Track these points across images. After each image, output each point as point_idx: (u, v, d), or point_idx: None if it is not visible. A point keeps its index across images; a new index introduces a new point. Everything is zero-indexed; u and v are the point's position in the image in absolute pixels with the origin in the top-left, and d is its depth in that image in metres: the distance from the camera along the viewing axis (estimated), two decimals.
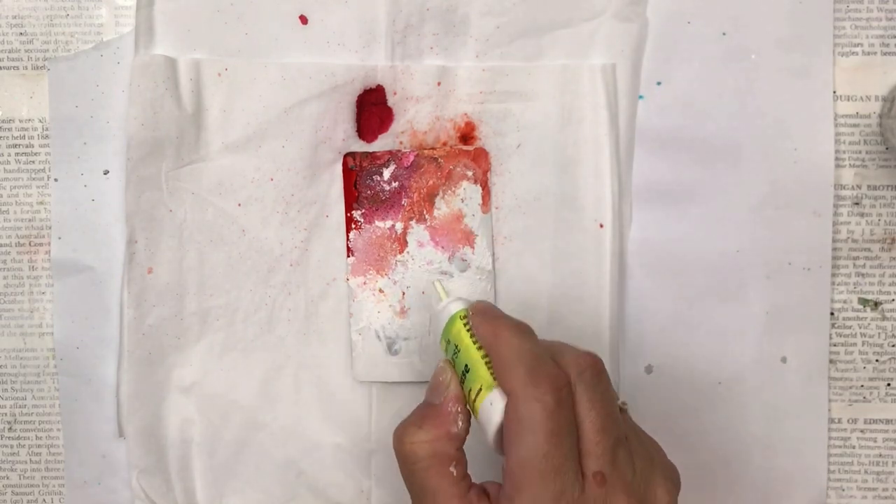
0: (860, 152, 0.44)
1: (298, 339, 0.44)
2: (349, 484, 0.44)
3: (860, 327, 0.45)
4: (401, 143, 0.44)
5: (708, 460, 0.44)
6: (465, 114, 0.44)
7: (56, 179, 0.44)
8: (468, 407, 0.35)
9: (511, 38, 0.43)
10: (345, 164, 0.44)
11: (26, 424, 0.45)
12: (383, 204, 0.44)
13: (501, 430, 0.33)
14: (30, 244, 0.45)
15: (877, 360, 0.45)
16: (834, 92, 0.44)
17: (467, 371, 0.35)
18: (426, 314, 0.44)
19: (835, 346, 0.45)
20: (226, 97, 0.43)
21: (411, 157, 0.44)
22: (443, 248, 0.44)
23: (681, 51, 0.44)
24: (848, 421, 0.45)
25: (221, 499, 0.44)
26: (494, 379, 0.34)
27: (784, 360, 0.44)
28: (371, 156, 0.44)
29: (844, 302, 0.44)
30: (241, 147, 0.43)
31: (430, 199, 0.44)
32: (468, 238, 0.44)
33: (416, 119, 0.44)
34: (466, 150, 0.44)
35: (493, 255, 0.44)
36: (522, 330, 0.35)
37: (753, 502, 0.44)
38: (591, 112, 0.43)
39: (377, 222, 0.44)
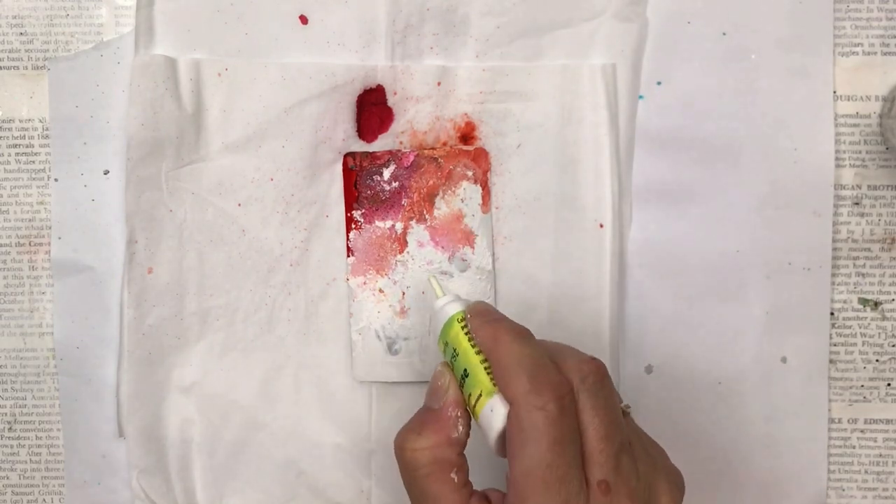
0: (860, 152, 0.44)
1: (298, 339, 0.44)
2: (349, 484, 0.44)
3: (860, 327, 0.45)
4: (401, 143, 0.44)
5: (708, 460, 0.44)
6: (465, 114, 0.44)
7: (56, 179, 0.44)
8: (468, 411, 0.35)
9: (511, 38, 0.43)
10: (345, 164, 0.44)
11: (26, 424, 0.45)
12: (383, 204, 0.44)
13: (503, 436, 0.33)
14: (30, 244, 0.45)
15: (877, 360, 0.45)
16: (834, 92, 0.44)
17: (466, 375, 0.34)
18: (426, 314, 0.44)
19: (835, 346, 0.45)
20: (226, 97, 0.43)
21: (411, 157, 0.44)
22: (443, 248, 0.44)
23: (681, 51, 0.44)
24: (848, 421, 0.45)
25: (221, 499, 0.44)
26: (494, 385, 0.33)
27: (784, 360, 0.44)
28: (371, 156, 0.44)
29: (844, 302, 0.44)
30: (241, 147, 0.43)
31: (430, 199, 0.44)
32: (468, 238, 0.44)
33: (416, 119, 0.44)
34: (466, 150, 0.44)
35: (493, 255, 0.44)
36: (522, 334, 0.34)
37: (753, 502, 0.44)
38: (591, 112, 0.43)
39: (377, 222, 0.44)
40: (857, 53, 0.44)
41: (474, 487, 0.34)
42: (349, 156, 0.44)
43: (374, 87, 0.44)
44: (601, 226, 0.43)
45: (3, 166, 0.44)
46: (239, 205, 0.44)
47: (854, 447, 0.45)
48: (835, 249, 0.44)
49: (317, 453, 0.44)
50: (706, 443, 0.44)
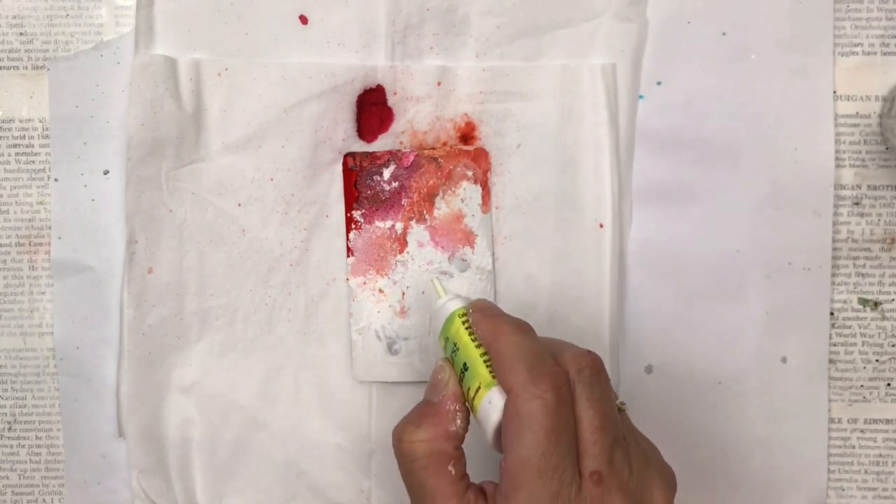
0: (860, 152, 0.44)
1: (298, 339, 0.44)
2: (349, 484, 0.44)
3: (860, 327, 0.45)
4: (401, 143, 0.44)
5: (708, 460, 0.44)
6: (465, 114, 0.44)
7: (56, 179, 0.44)
8: (467, 405, 0.35)
9: (511, 38, 0.43)
10: (345, 164, 0.44)
11: (26, 424, 0.45)
12: (383, 204, 0.44)
13: (500, 429, 0.33)
14: (30, 244, 0.45)
15: (877, 360, 0.45)
16: (834, 92, 0.44)
17: (466, 369, 0.35)
18: (426, 314, 0.44)
19: (835, 346, 0.45)
20: (226, 97, 0.43)
21: (411, 157, 0.44)
22: (443, 248, 0.44)
23: (681, 51, 0.44)
24: (848, 421, 0.45)
25: (221, 499, 0.44)
26: (493, 377, 0.34)
27: (784, 360, 0.44)
28: (371, 156, 0.44)
29: (844, 302, 0.44)
30: (241, 147, 0.43)
31: (430, 199, 0.44)
32: (468, 238, 0.44)
33: (416, 119, 0.44)
34: (466, 150, 0.44)
35: (493, 255, 0.44)
36: (522, 328, 0.35)
37: (753, 502, 0.44)
38: (591, 112, 0.43)
39: (377, 222, 0.44)
40: (857, 53, 0.44)
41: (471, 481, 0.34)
42: (349, 156, 0.44)
43: (374, 87, 0.44)
44: (601, 226, 0.43)
45: (3, 166, 0.44)
46: (239, 205, 0.44)
47: (854, 447, 0.45)
48: (835, 249, 0.44)
49: (317, 453, 0.44)
50: (706, 443, 0.44)
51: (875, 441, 0.45)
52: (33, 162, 0.44)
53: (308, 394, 0.44)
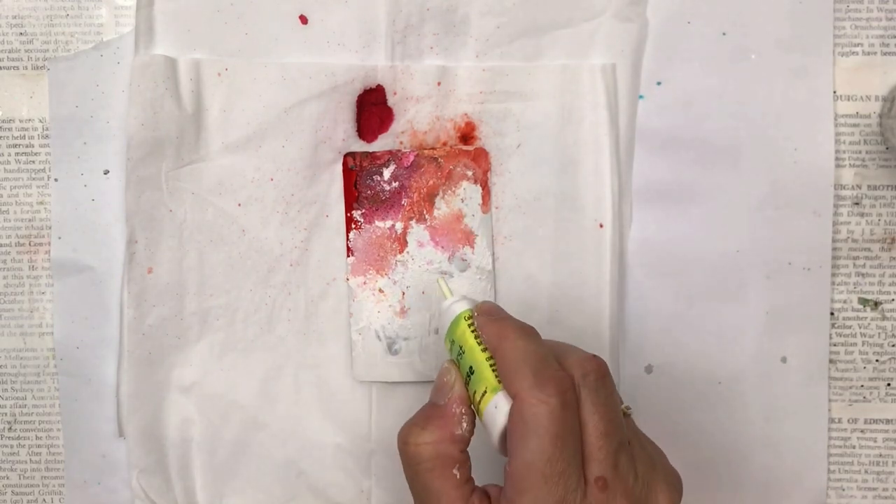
0: (860, 152, 0.44)
1: (298, 339, 0.44)
2: (349, 484, 0.44)
3: (860, 327, 0.45)
4: (401, 143, 0.44)
5: (708, 460, 0.44)
6: (465, 114, 0.44)
7: (56, 179, 0.44)
8: (473, 408, 0.35)
9: (511, 38, 0.43)
10: (345, 164, 0.44)
11: (26, 424, 0.45)
12: (383, 204, 0.44)
13: (506, 434, 0.33)
14: (30, 244, 0.45)
15: (877, 360, 0.45)
16: (834, 92, 0.44)
17: (472, 372, 0.35)
18: (426, 314, 0.44)
19: (835, 346, 0.45)
20: (226, 97, 0.43)
21: (411, 157, 0.44)
22: (443, 248, 0.44)
23: (681, 51, 0.44)
24: (848, 421, 0.45)
25: (221, 498, 0.44)
26: (499, 381, 0.34)
27: (784, 360, 0.44)
28: (371, 156, 0.44)
29: (844, 302, 0.44)
30: (241, 147, 0.43)
31: (430, 199, 0.44)
32: (468, 238, 0.44)
33: (416, 119, 0.44)
34: (466, 150, 0.44)
35: (493, 255, 0.44)
36: (528, 332, 0.35)
37: (753, 502, 0.44)
38: (591, 112, 0.43)
39: (377, 222, 0.44)
40: (857, 53, 0.44)
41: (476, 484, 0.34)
42: (349, 156, 0.44)
43: (374, 87, 0.44)
44: (601, 226, 0.43)
45: (3, 166, 0.44)
46: (239, 205, 0.44)
47: (854, 447, 0.45)
48: (835, 249, 0.44)
49: (317, 453, 0.44)
50: (706, 443, 0.44)
51: (875, 441, 0.45)
52: (33, 162, 0.44)
53: (308, 394, 0.44)
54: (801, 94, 0.44)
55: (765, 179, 0.44)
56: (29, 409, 0.45)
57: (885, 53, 0.44)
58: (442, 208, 0.44)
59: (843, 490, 0.45)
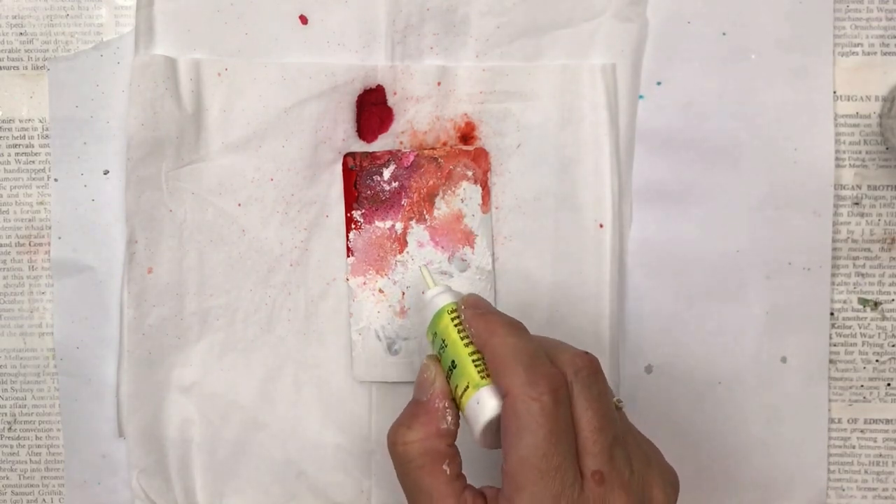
0: (860, 152, 0.44)
1: (298, 339, 0.44)
2: (349, 484, 0.44)
3: (860, 327, 0.45)
4: (401, 143, 0.44)
5: (708, 460, 0.44)
6: (465, 114, 0.44)
7: (56, 179, 0.44)
8: (455, 402, 0.35)
9: (511, 38, 0.43)
10: (345, 164, 0.44)
11: (26, 424, 0.45)
12: (383, 204, 0.44)
13: (488, 428, 0.33)
14: (30, 244, 0.45)
15: (877, 360, 0.45)
16: (834, 92, 0.44)
17: (454, 367, 0.35)
18: (425, 314, 0.44)
19: (835, 346, 0.45)
20: (226, 97, 0.43)
21: (411, 157, 0.44)
22: (443, 248, 0.44)
23: (681, 51, 0.44)
24: (848, 421, 0.45)
25: (221, 498, 0.44)
26: (482, 377, 0.34)
27: (784, 360, 0.44)
28: (371, 156, 0.44)
29: (844, 302, 0.44)
30: (241, 147, 0.43)
31: (430, 199, 0.44)
32: (468, 238, 0.44)
33: (416, 119, 0.44)
34: (466, 150, 0.44)
35: (493, 255, 0.44)
36: (517, 327, 0.35)
37: (753, 502, 0.44)
38: (591, 112, 0.43)
39: (377, 222, 0.44)
40: (857, 53, 0.44)
41: (468, 482, 0.34)
42: (349, 156, 0.44)
43: (374, 87, 0.44)
44: (601, 226, 0.43)
45: (3, 166, 0.44)
46: (239, 205, 0.44)
47: (854, 447, 0.45)
48: (835, 249, 0.44)
49: (317, 453, 0.44)
50: (706, 442, 0.44)
51: (875, 441, 0.45)
52: (33, 162, 0.44)
53: (308, 394, 0.44)
54: (801, 94, 0.44)
55: (765, 179, 0.44)
56: (29, 409, 0.45)
57: (885, 53, 0.44)
58: (442, 208, 0.44)
59: (843, 490, 0.45)
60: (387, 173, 0.44)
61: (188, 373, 0.44)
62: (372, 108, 0.44)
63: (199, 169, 0.43)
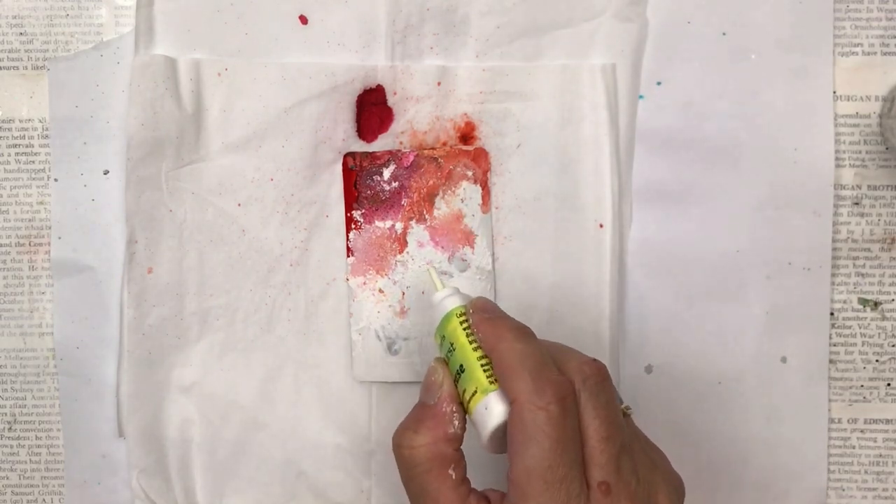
0: (860, 152, 0.44)
1: (298, 339, 0.44)
2: (349, 484, 0.44)
3: (860, 327, 0.45)
4: (401, 143, 0.44)
5: (708, 460, 0.44)
6: (465, 114, 0.44)
7: (56, 179, 0.44)
8: (462, 406, 0.35)
9: (511, 38, 0.43)
10: (345, 164, 0.44)
11: (26, 424, 0.45)
12: (383, 204, 0.44)
13: (495, 433, 0.33)
14: (30, 244, 0.45)
15: (877, 360, 0.45)
16: (834, 92, 0.44)
17: (462, 371, 0.34)
18: (426, 314, 0.44)
19: (835, 346, 0.45)
20: (226, 97, 0.43)
21: (411, 157, 0.44)
22: (443, 248, 0.44)
23: (681, 51, 0.44)
24: (848, 421, 0.45)
25: (221, 498, 0.44)
26: (490, 382, 0.34)
27: (784, 360, 0.44)
28: (371, 156, 0.44)
29: (844, 302, 0.44)
30: (241, 147, 0.43)
31: (430, 199, 0.44)
32: (468, 238, 0.44)
33: (416, 119, 0.44)
34: (466, 150, 0.44)
35: (493, 255, 0.44)
36: (525, 333, 0.34)
37: (753, 502, 0.44)
38: (591, 112, 0.43)
39: (377, 222, 0.44)
40: (857, 53, 0.44)
41: (472, 486, 0.34)
42: (349, 156, 0.44)
43: (374, 87, 0.44)
44: (601, 226, 0.43)
45: (3, 166, 0.44)
46: (239, 205, 0.44)
47: (854, 447, 0.45)
48: (835, 249, 0.44)
49: (317, 453, 0.44)
50: (706, 442, 0.44)
51: (875, 441, 0.45)
52: (33, 162, 0.44)
53: (308, 394, 0.44)
54: (801, 94, 0.44)
55: (765, 179, 0.44)
56: (29, 409, 0.45)
57: (885, 53, 0.44)
58: (442, 208, 0.44)
59: (843, 490, 0.45)
60: (387, 173, 0.44)
61: (188, 373, 0.44)
62: (372, 108, 0.44)
63: (199, 169, 0.43)
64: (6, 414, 0.45)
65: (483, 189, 0.44)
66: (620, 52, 0.43)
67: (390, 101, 0.44)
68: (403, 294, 0.44)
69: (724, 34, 0.44)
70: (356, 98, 0.43)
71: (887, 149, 0.44)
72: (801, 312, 0.44)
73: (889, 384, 0.45)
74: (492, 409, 0.33)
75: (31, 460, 0.45)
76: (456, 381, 0.35)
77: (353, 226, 0.44)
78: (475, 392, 0.34)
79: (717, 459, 0.44)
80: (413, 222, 0.44)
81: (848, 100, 0.44)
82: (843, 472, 0.45)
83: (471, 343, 0.35)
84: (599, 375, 0.33)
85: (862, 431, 0.45)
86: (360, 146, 0.44)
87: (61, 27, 0.44)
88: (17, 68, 0.44)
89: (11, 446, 0.45)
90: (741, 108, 0.44)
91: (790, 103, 0.44)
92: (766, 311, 0.44)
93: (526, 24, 0.43)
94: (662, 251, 0.44)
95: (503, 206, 0.44)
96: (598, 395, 0.33)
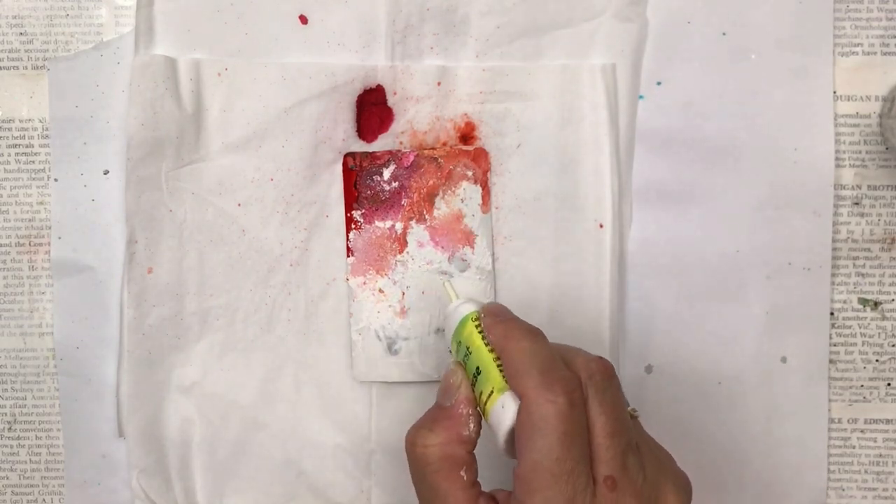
0: (860, 152, 0.44)
1: (298, 339, 0.44)
2: (349, 484, 0.44)
3: (860, 327, 0.45)
4: (401, 143, 0.44)
5: (708, 460, 0.44)
6: (465, 114, 0.44)
7: (56, 179, 0.44)
8: (479, 409, 0.35)
9: (511, 38, 0.43)
10: (345, 164, 0.44)
11: (26, 424, 0.45)
12: (383, 204, 0.44)
13: (512, 434, 0.33)
14: (30, 244, 0.45)
15: (877, 360, 0.45)
16: (834, 92, 0.44)
17: (479, 373, 0.35)
18: (426, 314, 0.44)
19: (835, 346, 0.45)
20: (226, 97, 0.43)
21: (411, 157, 0.44)
22: (443, 248, 0.44)
23: (681, 51, 0.44)
24: (848, 421, 0.45)
25: (221, 498, 0.44)
26: (506, 382, 0.34)
27: (784, 360, 0.44)
28: (371, 156, 0.44)
29: (844, 302, 0.44)
30: (241, 147, 0.43)
31: (430, 199, 0.44)
32: (468, 238, 0.44)
33: (416, 119, 0.44)
34: (466, 150, 0.44)
35: (493, 255, 0.44)
36: (534, 333, 0.35)
37: (753, 502, 0.44)
38: (591, 112, 0.43)
39: (377, 222, 0.44)
40: (857, 53, 0.44)
41: (482, 488, 0.34)
42: (349, 156, 0.44)
43: (374, 87, 0.44)
44: (601, 226, 0.43)
45: (3, 166, 0.44)
46: (239, 205, 0.44)
47: (854, 447, 0.45)
48: (835, 249, 0.44)
49: (317, 453, 0.44)
50: (706, 443, 0.44)
51: (875, 441, 0.45)
52: (33, 162, 0.44)
53: (308, 394, 0.44)
54: (801, 94, 0.44)
55: (765, 179, 0.44)
56: (29, 409, 0.45)
57: (885, 53, 0.44)
58: (442, 208, 0.44)
59: (843, 490, 0.45)
60: (387, 173, 0.44)
61: (188, 373, 0.44)
62: (372, 108, 0.44)
63: (199, 169, 0.43)
64: (6, 414, 0.45)
65: (483, 189, 0.44)
66: (620, 52, 0.43)
67: (390, 101, 0.44)
68: (403, 294, 0.44)
69: (724, 34, 0.44)
70: (356, 98, 0.43)
71: (887, 149, 0.44)
72: (801, 312, 0.44)
73: (889, 384, 0.45)
74: (508, 408, 0.33)
75: (31, 460, 0.45)
76: (473, 384, 0.35)
77: (353, 226, 0.44)
78: (491, 392, 0.34)
79: (717, 459, 0.44)
80: (413, 222, 0.44)
81: (848, 100, 0.44)
82: (843, 472, 0.45)
83: (486, 346, 0.35)
84: (605, 372, 0.34)
85: (862, 431, 0.45)
86: (360, 146, 0.44)
87: (61, 27, 0.44)
88: (17, 68, 0.44)
89: (11, 446, 0.45)
90: (741, 108, 0.44)
91: (790, 103, 0.44)
92: (766, 311, 0.44)
93: (526, 24, 0.43)
94: (662, 251, 0.44)
95: (503, 206, 0.44)
96: (605, 391, 0.33)
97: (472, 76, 0.43)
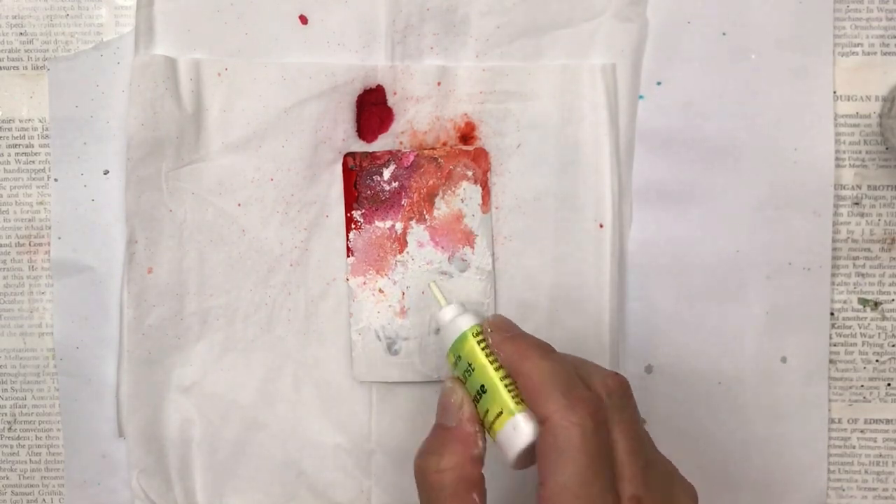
0: (860, 152, 0.44)
1: (298, 339, 0.44)
2: (349, 484, 0.44)
3: (860, 327, 0.45)
4: (401, 143, 0.44)
5: (708, 460, 0.44)
6: (465, 114, 0.44)
7: (56, 179, 0.44)
8: (482, 426, 0.34)
9: (511, 38, 0.43)
10: (345, 164, 0.44)
11: (26, 424, 0.45)
12: (383, 204, 0.44)
13: (524, 453, 0.33)
14: (30, 244, 0.45)
15: (877, 360, 0.45)
16: (834, 92, 0.44)
17: (483, 391, 0.34)
18: (426, 314, 0.44)
19: (835, 346, 0.45)
20: (226, 97, 0.43)
21: (411, 157, 0.44)
22: (443, 248, 0.44)
23: (681, 51, 0.44)
24: (848, 421, 0.45)
25: (221, 499, 0.44)
26: (517, 402, 0.33)
27: (784, 360, 0.44)
28: (371, 156, 0.44)
29: (844, 302, 0.44)
30: (241, 147, 0.43)
31: (430, 199, 0.44)
32: (468, 238, 0.44)
33: (416, 119, 0.44)
34: (466, 150, 0.44)
35: (493, 255, 0.44)
36: (548, 350, 0.34)
37: (753, 502, 0.44)
38: (591, 112, 0.43)
39: (377, 222, 0.44)
40: (857, 53, 0.44)
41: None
42: (349, 156, 0.44)
43: (374, 87, 0.44)
44: (601, 226, 0.43)
45: (3, 166, 0.44)
46: (239, 205, 0.44)
47: (854, 447, 0.45)
48: (835, 249, 0.44)
49: (317, 453, 0.44)
50: (706, 443, 0.44)
51: (875, 441, 0.45)
52: (33, 162, 0.44)
53: (308, 394, 0.44)
54: (801, 94, 0.44)
55: (765, 179, 0.44)
56: (29, 409, 0.45)
57: (885, 53, 0.44)
58: (442, 208, 0.44)
59: (843, 490, 0.45)
60: (387, 173, 0.44)
61: (188, 373, 0.44)
62: (372, 108, 0.44)
63: (199, 169, 0.43)
64: (6, 414, 0.45)
65: (483, 189, 0.44)
66: (620, 52, 0.43)
67: (390, 101, 0.44)
68: (403, 294, 0.44)
69: (724, 34, 0.44)
70: (356, 98, 0.43)
71: (887, 149, 0.44)
72: (801, 312, 0.44)
73: (889, 384, 0.45)
74: (521, 430, 0.32)
75: (31, 460, 0.45)
76: (475, 401, 0.34)
77: (353, 226, 0.44)
78: (500, 413, 0.33)
79: (717, 459, 0.44)
80: (413, 222, 0.44)
81: (848, 100, 0.44)
82: (843, 472, 0.45)
83: (492, 363, 0.34)
84: (623, 389, 0.33)
85: (862, 431, 0.45)
86: (360, 146, 0.44)
87: (61, 27, 0.44)
88: (17, 68, 0.44)
89: (11, 446, 0.45)
90: (741, 108, 0.44)
91: (790, 103, 0.44)
92: (766, 311, 0.44)
93: (526, 24, 0.43)
94: (662, 251, 0.44)
95: (503, 206, 0.44)
96: (624, 409, 0.33)
97: (472, 76, 0.43)
